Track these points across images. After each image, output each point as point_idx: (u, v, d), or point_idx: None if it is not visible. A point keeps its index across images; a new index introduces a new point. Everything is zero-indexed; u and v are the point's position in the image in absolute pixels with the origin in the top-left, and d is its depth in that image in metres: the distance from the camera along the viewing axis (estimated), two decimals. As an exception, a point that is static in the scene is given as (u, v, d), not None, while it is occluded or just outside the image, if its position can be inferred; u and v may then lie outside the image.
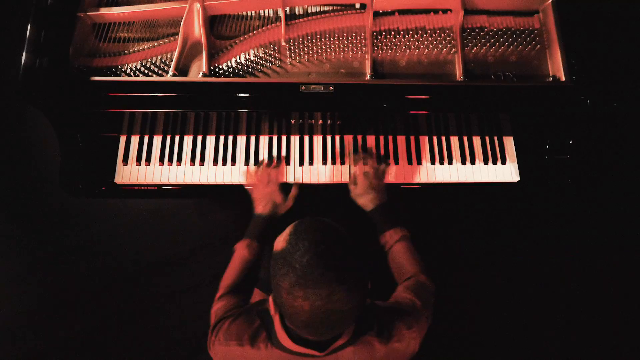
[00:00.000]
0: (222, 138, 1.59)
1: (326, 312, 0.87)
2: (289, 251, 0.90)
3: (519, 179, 1.59)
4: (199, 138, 1.59)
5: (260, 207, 1.48)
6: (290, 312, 0.91)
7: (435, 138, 1.62)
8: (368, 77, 1.48)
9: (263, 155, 1.58)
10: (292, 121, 1.55)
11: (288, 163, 1.57)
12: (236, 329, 1.11)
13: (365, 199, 1.47)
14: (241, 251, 1.42)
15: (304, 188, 1.55)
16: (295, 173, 1.56)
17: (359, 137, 1.60)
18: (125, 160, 1.56)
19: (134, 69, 1.49)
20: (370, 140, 1.60)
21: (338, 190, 1.55)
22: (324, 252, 0.88)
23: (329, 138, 1.60)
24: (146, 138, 1.59)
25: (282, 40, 1.53)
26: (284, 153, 1.58)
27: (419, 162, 1.59)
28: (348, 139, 1.60)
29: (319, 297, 0.85)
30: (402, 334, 1.11)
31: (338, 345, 1.03)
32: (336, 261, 0.88)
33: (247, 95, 1.41)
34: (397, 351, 1.11)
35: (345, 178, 1.56)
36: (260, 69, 1.50)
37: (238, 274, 1.38)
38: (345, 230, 0.96)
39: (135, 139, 1.58)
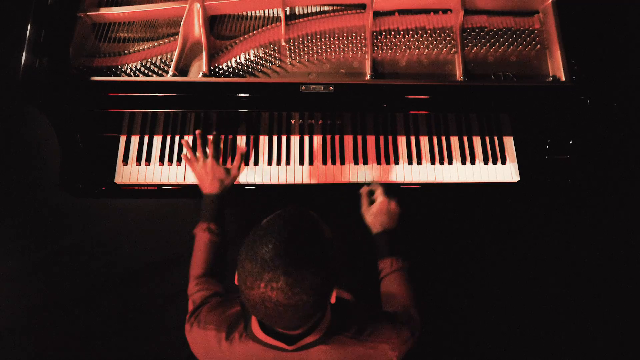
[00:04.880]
0: (222, 138, 1.59)
1: (264, 300, 0.84)
2: (259, 235, 0.88)
3: (519, 179, 1.59)
4: (199, 138, 1.59)
5: (207, 187, 1.40)
6: (243, 296, 0.89)
7: (435, 138, 1.62)
8: (368, 77, 1.48)
9: (263, 155, 1.58)
10: (292, 121, 1.55)
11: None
12: (217, 315, 1.09)
13: (376, 220, 1.40)
14: (201, 236, 1.35)
15: (304, 188, 1.55)
16: (296, 173, 1.56)
17: (359, 137, 1.60)
18: (125, 160, 1.56)
19: (134, 69, 1.49)
20: (370, 140, 1.60)
21: (338, 191, 1.55)
22: (284, 242, 0.85)
23: (329, 138, 1.60)
24: (146, 138, 1.59)
25: (282, 40, 1.53)
26: (284, 153, 1.58)
27: (419, 162, 1.59)
28: (348, 139, 1.60)
29: (263, 282, 0.83)
30: (379, 343, 1.07)
31: (307, 342, 1.00)
32: (291, 253, 0.85)
33: (247, 95, 1.41)
34: (372, 359, 1.08)
35: (346, 178, 1.56)
36: (260, 69, 1.50)
37: (205, 260, 1.31)
38: (326, 228, 0.93)
39: (135, 139, 1.58)
